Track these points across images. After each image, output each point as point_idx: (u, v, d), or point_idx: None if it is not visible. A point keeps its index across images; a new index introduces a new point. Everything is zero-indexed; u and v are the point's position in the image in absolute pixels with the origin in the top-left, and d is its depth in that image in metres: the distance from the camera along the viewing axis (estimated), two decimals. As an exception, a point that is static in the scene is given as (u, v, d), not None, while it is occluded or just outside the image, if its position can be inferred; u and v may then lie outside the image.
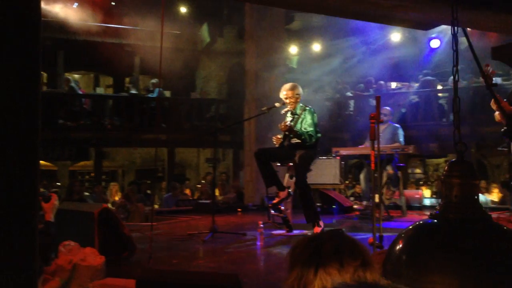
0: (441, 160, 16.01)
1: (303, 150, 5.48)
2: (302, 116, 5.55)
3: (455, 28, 1.23)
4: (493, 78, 10.99)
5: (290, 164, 5.86)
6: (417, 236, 1.26)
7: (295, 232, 5.63)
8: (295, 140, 5.49)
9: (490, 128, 10.91)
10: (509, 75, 11.44)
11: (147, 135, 12.66)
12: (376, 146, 3.61)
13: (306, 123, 5.51)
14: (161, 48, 3.63)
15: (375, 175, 7.50)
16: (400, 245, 1.26)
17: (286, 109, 5.78)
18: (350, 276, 1.11)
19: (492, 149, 13.70)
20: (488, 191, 10.49)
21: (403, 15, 1.91)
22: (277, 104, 6.02)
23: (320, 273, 1.08)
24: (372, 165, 3.62)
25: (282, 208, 5.70)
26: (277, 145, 5.65)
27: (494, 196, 10.46)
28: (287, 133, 5.49)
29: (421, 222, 1.30)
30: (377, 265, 1.26)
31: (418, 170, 17.10)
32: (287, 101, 5.62)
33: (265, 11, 10.49)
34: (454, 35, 1.25)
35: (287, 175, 5.92)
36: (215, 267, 3.82)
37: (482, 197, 9.14)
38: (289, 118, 5.72)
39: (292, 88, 5.62)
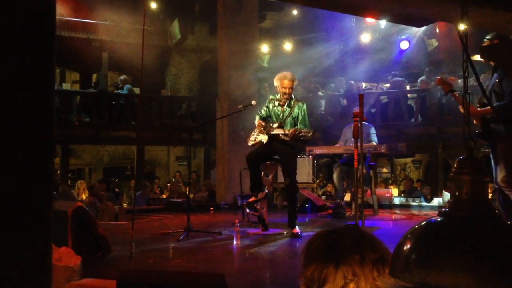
0: (408, 159, 16.36)
1: (293, 148, 5.35)
2: (297, 110, 5.39)
3: (466, 22, 1.21)
4: (458, 81, 11.27)
5: (266, 162, 5.83)
6: (427, 234, 1.23)
7: (271, 231, 5.59)
8: (284, 138, 5.28)
9: (456, 129, 11.21)
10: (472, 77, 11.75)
11: (116, 133, 12.40)
12: (359, 144, 3.61)
13: (305, 121, 5.36)
14: (143, 46, 3.52)
15: (345, 173, 7.58)
16: (409, 243, 1.23)
17: (273, 97, 5.57)
18: (369, 270, 1.10)
19: (458, 149, 14.09)
20: (454, 190, 10.76)
21: (402, 9, 1.90)
22: (253, 102, 6.01)
23: (342, 265, 1.07)
24: (355, 163, 3.62)
25: (258, 207, 5.66)
26: (264, 141, 5.45)
27: (459, 195, 10.76)
28: (302, 138, 5.19)
29: (430, 220, 1.28)
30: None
31: (385, 170, 17.39)
32: (286, 90, 5.36)
33: (239, 8, 10.44)
34: (463, 31, 1.24)
35: (262, 174, 5.88)
36: (194, 267, 3.75)
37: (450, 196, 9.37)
38: (273, 107, 5.51)
39: (294, 79, 5.42)
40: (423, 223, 1.30)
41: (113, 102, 12.23)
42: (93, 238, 3.99)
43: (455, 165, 1.27)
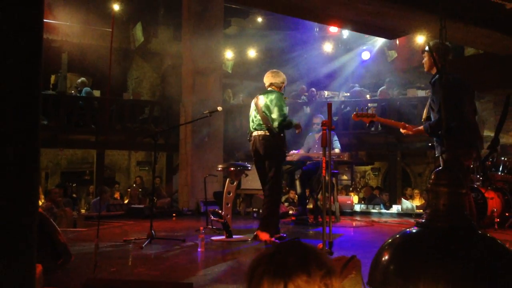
0: (368, 167, 16.69)
1: None
2: None
3: (444, 36, 1.25)
4: (417, 92, 11.53)
5: (231, 168, 5.82)
6: (405, 245, 1.26)
7: (235, 237, 5.57)
8: None
9: (414, 138, 11.55)
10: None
11: (75, 136, 12.07)
12: (327, 152, 3.65)
13: None
14: (111, 49, 3.44)
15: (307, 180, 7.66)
16: (388, 254, 1.26)
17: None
18: (318, 286, 1.09)
19: (415, 158, 14.52)
20: (412, 197, 11.07)
21: (380, 22, 1.94)
22: (219, 108, 6.00)
23: (289, 287, 1.05)
24: (323, 171, 3.66)
25: (222, 213, 5.63)
26: None
27: (417, 201, 11.10)
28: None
29: (406, 231, 1.31)
30: (338, 271, 1.25)
31: (345, 177, 17.68)
32: None
33: (203, 13, 10.40)
34: (442, 43, 1.27)
35: (228, 180, 5.85)
36: (158, 275, 3.67)
37: (408, 203, 9.61)
38: None
39: None
40: (400, 234, 1.33)
41: (72, 105, 11.87)
42: (53, 245, 3.85)
43: (432, 177, 1.30)
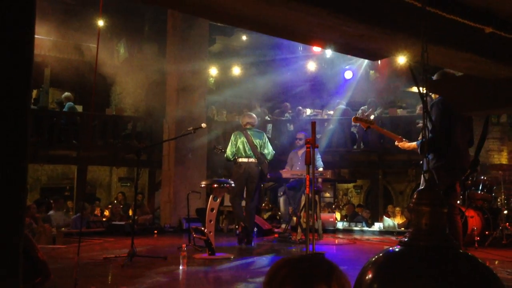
0: (350, 185, 16.79)
1: None
2: None
3: (425, 59, 1.28)
4: (398, 111, 11.63)
5: (215, 185, 5.80)
6: (388, 264, 1.27)
7: (218, 255, 5.53)
8: None
9: (395, 157, 11.69)
10: (414, 107, 12.35)
11: (56, 151, 11.90)
12: (311, 170, 3.67)
13: None
14: (96, 64, 3.43)
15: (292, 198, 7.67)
16: (371, 273, 1.26)
17: None
18: None
19: (397, 176, 14.67)
20: (393, 215, 11.14)
21: (364, 44, 1.98)
22: (203, 125, 6.02)
23: None
24: (307, 189, 3.68)
25: (205, 230, 5.59)
26: None
27: (398, 219, 11.16)
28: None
29: (389, 250, 1.32)
30: None
31: (327, 194, 17.75)
32: None
33: (189, 30, 10.45)
34: (424, 66, 1.31)
35: (211, 197, 5.82)
36: (139, 294, 3.62)
37: (390, 221, 9.66)
38: None
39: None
40: (383, 253, 1.34)
41: (54, 120, 11.73)
42: (32, 262, 3.76)
43: (415, 196, 1.33)
